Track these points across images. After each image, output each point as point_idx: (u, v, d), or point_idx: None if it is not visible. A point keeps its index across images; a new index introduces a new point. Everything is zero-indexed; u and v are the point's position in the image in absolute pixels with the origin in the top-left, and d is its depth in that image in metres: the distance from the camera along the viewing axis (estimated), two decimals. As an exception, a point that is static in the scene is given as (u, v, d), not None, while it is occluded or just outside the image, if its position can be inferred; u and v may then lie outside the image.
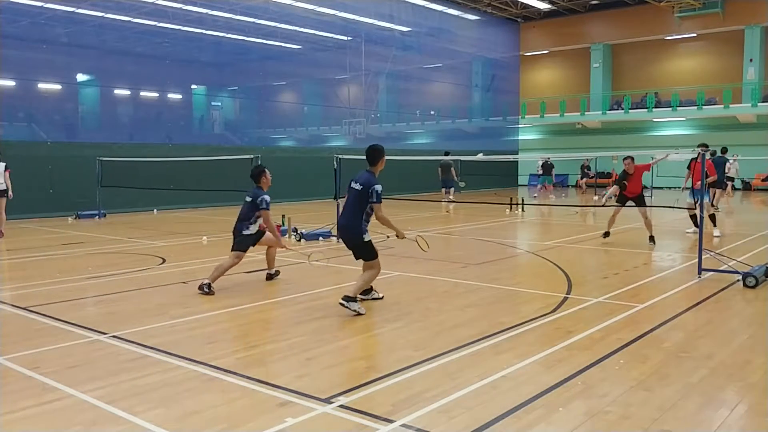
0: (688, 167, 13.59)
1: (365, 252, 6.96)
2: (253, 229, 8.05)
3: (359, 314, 6.58)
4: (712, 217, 13.21)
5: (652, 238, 12.01)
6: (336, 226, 7.27)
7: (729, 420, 3.97)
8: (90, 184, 18.41)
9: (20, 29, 22.29)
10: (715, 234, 13.00)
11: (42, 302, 7.30)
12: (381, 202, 6.80)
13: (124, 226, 15.95)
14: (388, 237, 13.27)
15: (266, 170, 8.31)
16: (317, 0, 28.36)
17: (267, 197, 7.99)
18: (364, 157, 7.08)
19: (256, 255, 10.99)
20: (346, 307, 6.58)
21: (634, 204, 12.17)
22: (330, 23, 30.68)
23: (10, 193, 13.81)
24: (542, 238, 12.95)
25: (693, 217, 12.40)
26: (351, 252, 7.04)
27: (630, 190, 12.06)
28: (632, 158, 12.09)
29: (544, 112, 38.23)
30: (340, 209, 7.61)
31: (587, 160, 31.23)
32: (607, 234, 12.64)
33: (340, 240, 7.37)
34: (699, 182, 9.05)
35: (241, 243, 8.03)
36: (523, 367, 4.93)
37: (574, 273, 9.08)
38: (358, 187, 6.89)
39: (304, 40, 32.70)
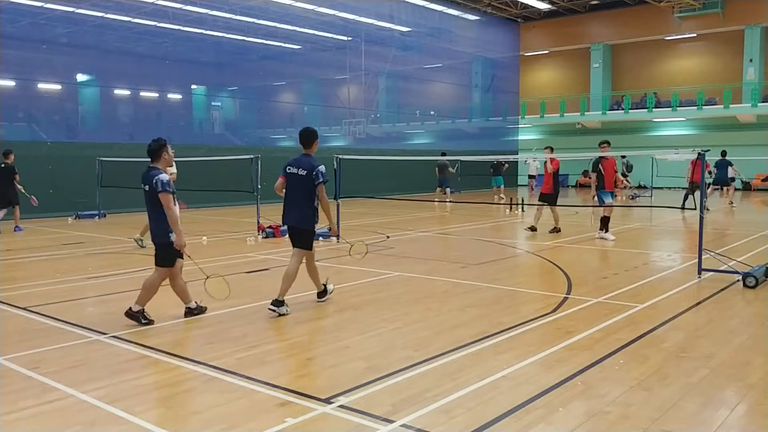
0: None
1: (308, 239, 6.86)
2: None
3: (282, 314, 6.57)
4: None
5: (533, 228, 13.88)
6: (284, 216, 6.95)
7: (729, 420, 3.97)
8: (90, 184, 18.40)
9: (20, 29, 22.27)
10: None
11: (42, 302, 7.30)
12: (327, 181, 6.77)
13: (124, 226, 15.94)
14: (388, 237, 13.27)
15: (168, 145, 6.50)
16: (317, 0, 28.37)
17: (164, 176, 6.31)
18: (300, 145, 6.94)
19: (256, 255, 10.99)
20: (276, 312, 6.55)
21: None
22: (330, 23, 30.69)
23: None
24: (542, 238, 12.96)
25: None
26: (293, 240, 6.93)
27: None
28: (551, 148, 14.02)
29: (544, 112, 38.21)
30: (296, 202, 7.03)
31: (497, 160, 24.72)
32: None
33: (288, 228, 7.05)
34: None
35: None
36: (523, 367, 4.93)
37: (574, 273, 9.08)
38: (302, 172, 6.71)
39: (303, 40, 32.69)
